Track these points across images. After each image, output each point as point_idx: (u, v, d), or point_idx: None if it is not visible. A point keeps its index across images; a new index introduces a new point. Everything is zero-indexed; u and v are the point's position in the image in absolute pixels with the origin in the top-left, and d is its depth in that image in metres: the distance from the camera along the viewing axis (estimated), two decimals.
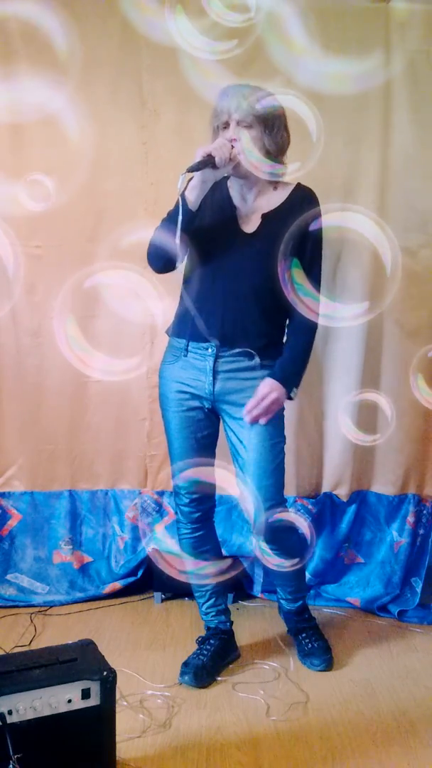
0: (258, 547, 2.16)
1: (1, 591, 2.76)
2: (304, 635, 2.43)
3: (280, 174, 2.08)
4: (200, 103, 2.29)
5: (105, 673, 1.69)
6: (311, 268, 2.09)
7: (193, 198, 2.02)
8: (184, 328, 2.17)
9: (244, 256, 2.10)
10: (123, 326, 2.73)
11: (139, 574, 2.83)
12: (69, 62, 2.36)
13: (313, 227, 2.09)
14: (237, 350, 2.13)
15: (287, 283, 1.86)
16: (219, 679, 2.29)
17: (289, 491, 2.74)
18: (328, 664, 2.36)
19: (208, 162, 1.96)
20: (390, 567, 2.84)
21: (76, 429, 2.83)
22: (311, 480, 2.88)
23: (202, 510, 2.30)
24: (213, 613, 2.40)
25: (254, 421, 2.14)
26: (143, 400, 2.80)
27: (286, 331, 2.22)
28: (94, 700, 1.69)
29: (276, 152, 2.06)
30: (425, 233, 2.70)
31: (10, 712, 1.59)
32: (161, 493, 2.89)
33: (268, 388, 2.12)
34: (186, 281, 2.20)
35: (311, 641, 2.41)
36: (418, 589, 2.76)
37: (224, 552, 2.61)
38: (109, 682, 1.69)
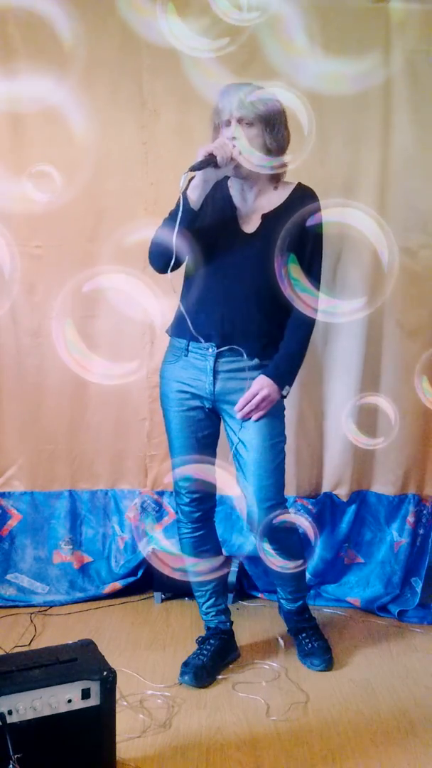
0: (262, 549, 2.16)
1: (1, 591, 2.76)
2: (304, 635, 2.43)
3: (280, 166, 2.07)
4: (200, 103, 2.29)
5: (105, 673, 1.69)
6: (311, 266, 2.10)
7: (195, 197, 2.03)
8: (184, 328, 2.17)
9: (244, 256, 2.10)
10: (123, 326, 2.73)
11: (139, 574, 2.83)
12: (69, 62, 2.36)
13: (312, 226, 2.09)
14: (235, 349, 2.13)
15: (284, 278, 1.86)
16: (219, 677, 2.29)
17: (289, 491, 2.74)
18: (328, 664, 2.36)
19: (209, 161, 1.96)
20: (390, 567, 2.84)
21: (76, 429, 2.83)
22: (311, 480, 2.88)
23: (203, 510, 2.30)
24: (213, 613, 2.40)
25: (246, 418, 2.14)
26: (143, 400, 2.80)
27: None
28: (94, 700, 1.69)
29: (277, 150, 2.06)
30: (425, 233, 2.70)
31: (10, 712, 1.59)
32: (161, 493, 2.89)
33: (259, 386, 2.13)
34: (186, 281, 2.20)
35: (311, 641, 2.41)
36: (418, 589, 2.76)
37: (224, 552, 2.60)
38: (109, 682, 1.69)
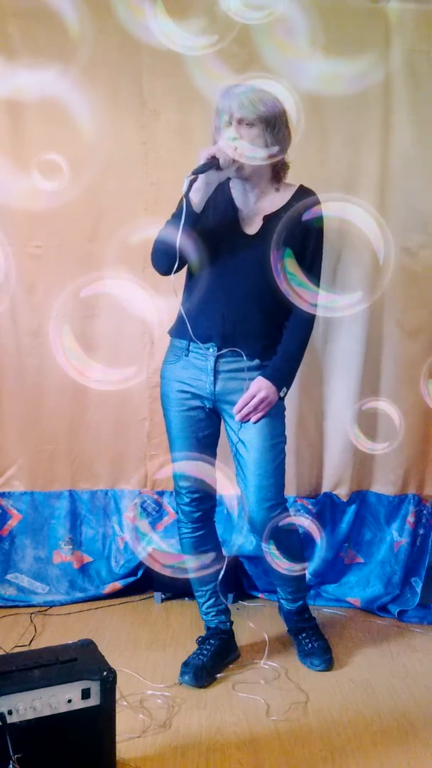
0: (268, 551, 2.16)
1: (1, 591, 2.76)
2: (304, 635, 2.43)
3: (276, 154, 2.08)
4: (200, 103, 2.29)
5: (105, 673, 1.69)
6: (312, 266, 2.11)
7: (197, 200, 2.02)
8: (185, 329, 2.17)
9: (245, 257, 2.10)
10: (123, 326, 2.73)
11: (139, 574, 2.83)
12: (69, 62, 2.36)
13: (314, 226, 2.10)
14: (236, 350, 2.13)
15: (280, 273, 1.86)
16: (219, 677, 2.29)
17: (289, 491, 2.74)
18: (328, 664, 2.36)
19: (212, 164, 1.96)
20: (390, 567, 2.84)
21: (76, 429, 2.83)
22: (311, 480, 2.89)
23: (203, 509, 2.30)
24: (213, 613, 2.40)
25: (244, 419, 2.15)
26: (143, 400, 2.80)
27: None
28: (94, 700, 1.69)
29: (278, 151, 2.06)
30: (425, 233, 2.70)
31: (10, 712, 1.59)
32: (161, 493, 2.89)
33: (257, 387, 2.13)
34: (188, 282, 2.20)
35: (311, 641, 2.41)
36: (418, 589, 2.76)
37: (224, 552, 2.60)
38: (109, 682, 1.69)
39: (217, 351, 2.15)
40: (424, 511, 2.87)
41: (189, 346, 2.18)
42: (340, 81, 2.39)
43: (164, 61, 2.50)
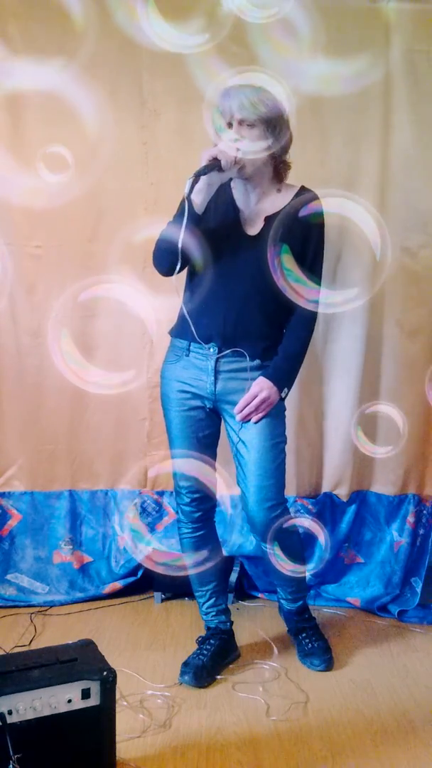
0: (272, 553, 2.16)
1: (1, 591, 2.76)
2: (304, 635, 2.43)
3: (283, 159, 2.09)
4: (200, 103, 2.28)
5: (105, 673, 1.69)
6: (314, 266, 2.11)
7: (199, 201, 2.02)
8: (185, 330, 2.17)
9: (246, 258, 2.10)
10: (123, 326, 2.73)
11: (139, 574, 2.83)
12: (69, 62, 2.36)
13: (315, 224, 2.10)
14: (237, 351, 2.14)
15: (276, 268, 1.87)
16: (219, 677, 2.29)
17: (289, 491, 2.74)
18: (328, 664, 2.36)
19: (214, 165, 1.96)
20: (390, 567, 2.84)
21: (76, 429, 2.83)
22: (311, 480, 2.89)
23: (203, 510, 2.30)
24: (213, 613, 2.40)
25: (245, 420, 2.15)
26: (143, 400, 2.80)
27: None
28: (94, 700, 1.69)
29: (280, 151, 2.08)
30: (425, 233, 2.70)
31: (10, 712, 1.59)
32: (161, 493, 2.89)
33: (258, 388, 2.13)
34: (188, 283, 2.20)
35: (311, 641, 2.41)
36: (418, 589, 2.76)
37: (224, 552, 2.60)
38: (109, 682, 1.69)
39: (218, 351, 2.15)
40: (424, 511, 2.87)
41: (190, 346, 2.18)
42: (340, 81, 2.39)
43: (164, 61, 2.50)
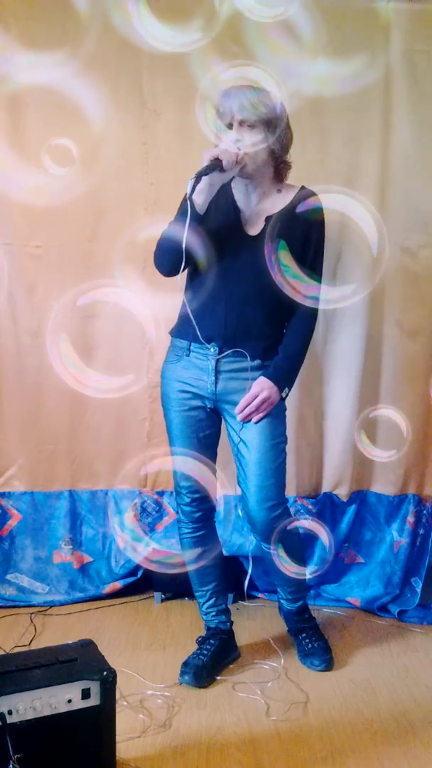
0: (277, 555, 2.16)
1: (1, 591, 2.76)
2: (304, 635, 2.43)
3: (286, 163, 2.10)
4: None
5: (105, 673, 1.69)
6: (314, 265, 2.11)
7: (201, 201, 2.02)
8: (186, 330, 2.17)
9: (247, 258, 2.10)
10: (123, 326, 2.73)
11: (139, 574, 2.83)
12: (69, 62, 2.36)
13: (315, 226, 2.10)
14: (238, 351, 2.14)
15: (274, 264, 1.87)
16: (219, 678, 2.29)
17: (289, 491, 2.74)
18: (328, 664, 2.36)
19: (215, 166, 1.96)
20: (390, 567, 2.84)
21: (76, 429, 2.83)
22: (311, 480, 2.89)
23: (204, 510, 2.30)
24: (213, 613, 2.40)
25: (246, 420, 2.15)
26: (143, 400, 2.80)
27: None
28: (94, 700, 1.69)
29: (280, 151, 2.08)
30: (425, 233, 2.70)
31: (10, 712, 1.59)
32: (161, 493, 2.89)
33: (259, 387, 2.13)
34: (189, 283, 2.20)
35: (311, 641, 2.41)
36: (418, 589, 2.76)
37: (224, 552, 2.60)
38: (109, 682, 1.69)
39: (219, 351, 2.15)
40: (424, 511, 2.87)
41: (190, 346, 2.18)
42: (340, 81, 2.39)
43: (164, 61, 2.50)
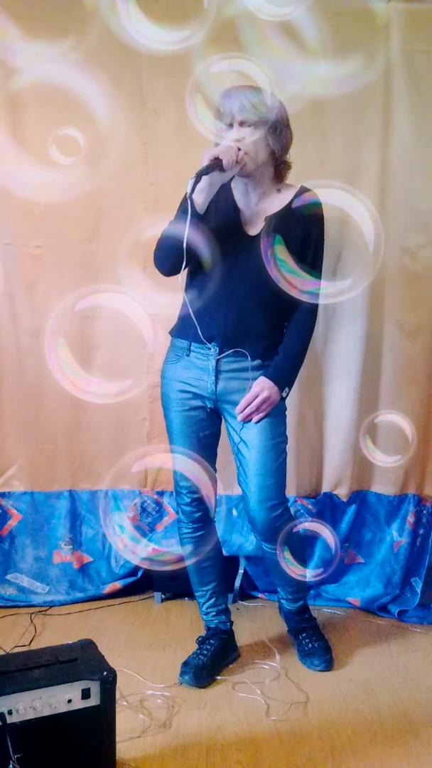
0: (283, 558, 2.16)
1: (1, 591, 2.76)
2: (304, 635, 2.43)
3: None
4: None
5: (105, 673, 1.69)
6: (314, 261, 2.12)
7: (201, 201, 2.02)
8: (186, 330, 2.17)
9: (247, 258, 2.10)
10: (123, 326, 2.72)
11: (139, 574, 2.83)
12: (68, 62, 2.36)
13: (314, 225, 2.10)
14: (239, 351, 2.14)
15: (270, 259, 1.86)
16: (219, 678, 2.29)
17: (290, 491, 2.73)
18: (328, 664, 2.36)
19: (215, 165, 1.96)
20: (390, 567, 2.84)
21: (76, 429, 2.83)
22: (311, 480, 2.89)
23: (204, 510, 2.30)
24: (213, 613, 2.40)
25: (246, 420, 2.15)
26: (143, 400, 2.80)
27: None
28: (94, 700, 1.69)
29: (280, 151, 2.08)
30: (425, 233, 2.70)
31: (10, 712, 1.59)
32: (161, 493, 2.89)
33: (259, 387, 2.13)
34: (189, 283, 2.20)
35: (311, 641, 2.41)
36: (418, 589, 2.76)
37: (224, 552, 2.61)
38: (109, 682, 1.69)
39: (219, 351, 2.15)
40: (424, 511, 2.87)
41: (190, 346, 2.18)
42: (340, 81, 2.39)
43: (164, 60, 2.50)
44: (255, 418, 2.15)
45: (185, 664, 2.29)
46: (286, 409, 2.25)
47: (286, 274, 1.87)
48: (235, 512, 2.83)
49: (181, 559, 2.37)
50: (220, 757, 1.92)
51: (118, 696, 1.80)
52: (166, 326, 2.28)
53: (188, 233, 1.96)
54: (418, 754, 1.94)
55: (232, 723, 2.06)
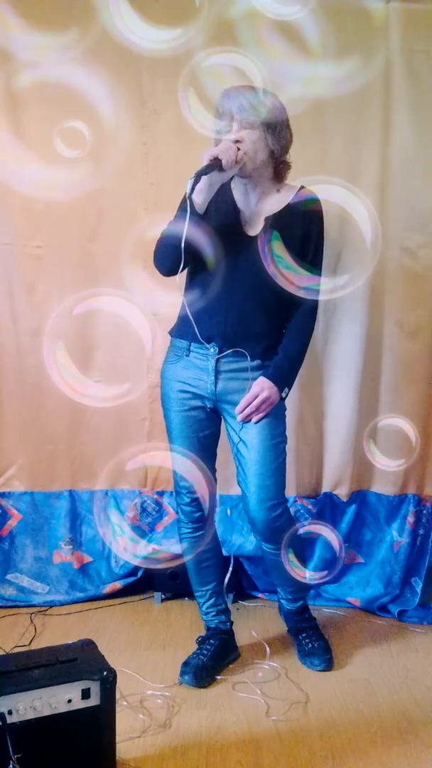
0: (287, 560, 2.16)
1: (1, 591, 2.76)
2: (304, 635, 2.43)
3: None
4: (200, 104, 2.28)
5: (105, 673, 1.69)
6: (315, 260, 2.12)
7: (200, 201, 2.02)
8: (186, 330, 2.17)
9: (247, 258, 2.10)
10: (123, 326, 2.72)
11: (139, 574, 2.83)
12: (68, 62, 2.36)
13: (314, 225, 2.10)
14: (238, 351, 2.14)
15: (267, 255, 1.87)
16: (219, 678, 2.29)
17: (289, 491, 2.74)
18: (328, 664, 2.36)
19: (215, 165, 1.96)
20: (390, 567, 2.84)
21: (76, 429, 2.83)
22: (311, 480, 2.89)
23: (204, 510, 2.30)
24: (213, 613, 2.40)
25: (246, 420, 2.15)
26: (143, 400, 2.80)
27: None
28: (94, 700, 1.69)
29: (280, 151, 2.08)
30: (425, 233, 2.70)
31: (10, 712, 1.59)
32: (161, 493, 2.89)
33: (259, 388, 2.14)
34: (189, 283, 2.20)
35: (311, 641, 2.41)
36: (418, 589, 2.76)
37: (224, 552, 2.60)
38: (109, 682, 1.69)
39: (219, 351, 2.15)
40: (424, 511, 2.87)
41: (190, 346, 2.18)
42: (340, 81, 2.39)
43: (164, 61, 2.50)
44: (254, 419, 2.15)
45: (185, 664, 2.29)
46: (285, 409, 2.25)
47: (284, 270, 1.87)
48: (229, 512, 2.82)
49: (180, 557, 2.37)
50: (220, 757, 1.92)
51: (118, 696, 1.80)
52: (166, 326, 2.28)
53: (187, 233, 1.96)
54: (418, 754, 1.94)
55: (232, 723, 2.06)
